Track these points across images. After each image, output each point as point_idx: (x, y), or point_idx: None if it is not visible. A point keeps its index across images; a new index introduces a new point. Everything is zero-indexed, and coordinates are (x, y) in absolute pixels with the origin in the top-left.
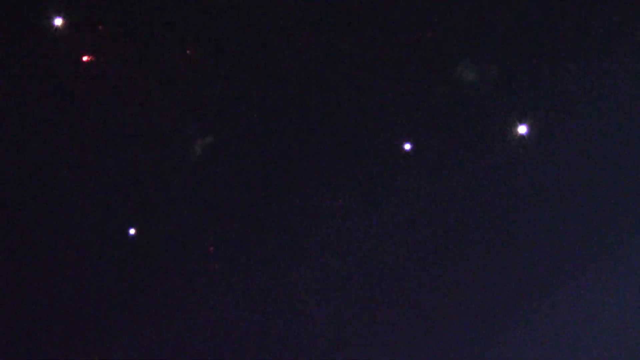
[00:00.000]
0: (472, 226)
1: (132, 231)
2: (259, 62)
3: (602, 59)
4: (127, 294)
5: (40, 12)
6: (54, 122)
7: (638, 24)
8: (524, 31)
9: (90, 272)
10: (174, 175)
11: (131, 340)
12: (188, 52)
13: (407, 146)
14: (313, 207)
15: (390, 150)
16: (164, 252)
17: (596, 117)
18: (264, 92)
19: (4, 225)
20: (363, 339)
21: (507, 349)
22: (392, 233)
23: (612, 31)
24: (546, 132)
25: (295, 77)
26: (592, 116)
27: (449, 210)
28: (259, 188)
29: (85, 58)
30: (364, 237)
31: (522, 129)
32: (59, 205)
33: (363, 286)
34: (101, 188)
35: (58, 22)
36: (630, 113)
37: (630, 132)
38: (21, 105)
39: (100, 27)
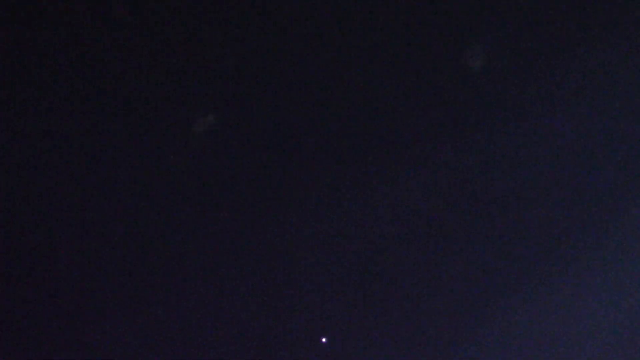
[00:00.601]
0: (469, 219)
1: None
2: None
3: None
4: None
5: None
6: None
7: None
8: (524, 26)
9: (89, 269)
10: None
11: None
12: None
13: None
14: (311, 201)
15: (389, 139)
16: (158, 244)
17: (593, 115)
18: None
19: None
20: (359, 334)
21: (499, 344)
22: (386, 227)
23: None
24: (543, 126)
25: (292, 68)
26: (588, 112)
27: (444, 205)
28: (256, 182)
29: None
30: (361, 229)
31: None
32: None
33: (358, 282)
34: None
35: None
36: (631, 108)
37: (631, 126)
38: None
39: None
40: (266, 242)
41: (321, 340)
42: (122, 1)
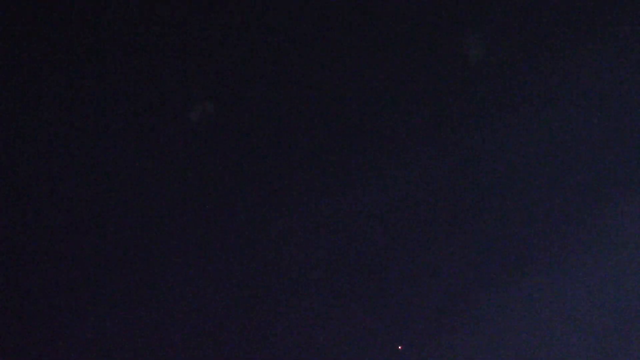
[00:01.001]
0: (460, 215)
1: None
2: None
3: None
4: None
5: None
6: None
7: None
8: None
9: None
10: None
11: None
12: None
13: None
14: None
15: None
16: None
17: (587, 109)
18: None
19: None
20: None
21: (492, 339)
22: (377, 222)
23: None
24: (534, 121)
25: (290, 60)
26: (582, 106)
27: (435, 200)
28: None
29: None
30: (352, 224)
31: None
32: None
33: (350, 278)
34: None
35: None
36: (627, 102)
37: (625, 120)
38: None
39: None
40: (254, 239)
41: (398, 348)
42: None
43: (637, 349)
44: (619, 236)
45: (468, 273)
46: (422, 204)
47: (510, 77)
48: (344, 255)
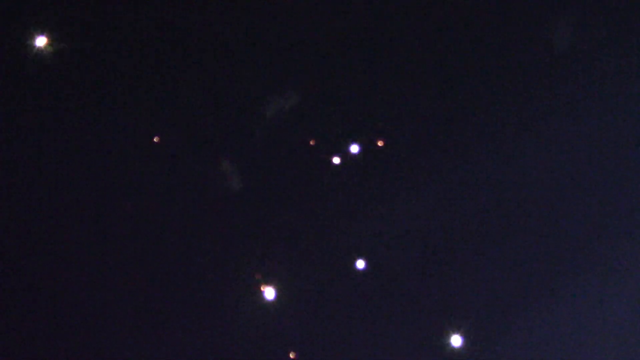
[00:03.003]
0: (473, 223)
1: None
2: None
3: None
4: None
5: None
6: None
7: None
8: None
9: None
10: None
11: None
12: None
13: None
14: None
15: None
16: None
17: (598, 118)
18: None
19: None
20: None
21: (506, 348)
22: (393, 238)
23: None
24: (551, 129)
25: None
26: (592, 116)
27: (453, 214)
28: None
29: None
30: (367, 238)
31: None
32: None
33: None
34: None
35: None
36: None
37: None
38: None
39: None
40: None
41: None
42: None
43: None
44: None
45: (494, 287)
46: (443, 219)
47: (527, 86)
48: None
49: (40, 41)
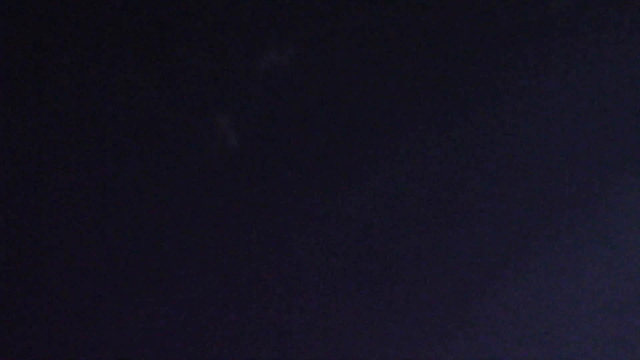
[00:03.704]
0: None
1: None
2: None
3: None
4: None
5: None
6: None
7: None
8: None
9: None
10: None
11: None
12: None
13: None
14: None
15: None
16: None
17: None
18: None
19: None
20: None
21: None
22: (370, 216)
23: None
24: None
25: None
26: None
27: (429, 190)
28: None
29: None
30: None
31: None
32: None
33: (346, 274)
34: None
35: None
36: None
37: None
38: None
39: None
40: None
41: None
42: None
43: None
44: (626, 218)
45: (466, 269)
46: (416, 198)
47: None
48: (342, 254)
49: None
